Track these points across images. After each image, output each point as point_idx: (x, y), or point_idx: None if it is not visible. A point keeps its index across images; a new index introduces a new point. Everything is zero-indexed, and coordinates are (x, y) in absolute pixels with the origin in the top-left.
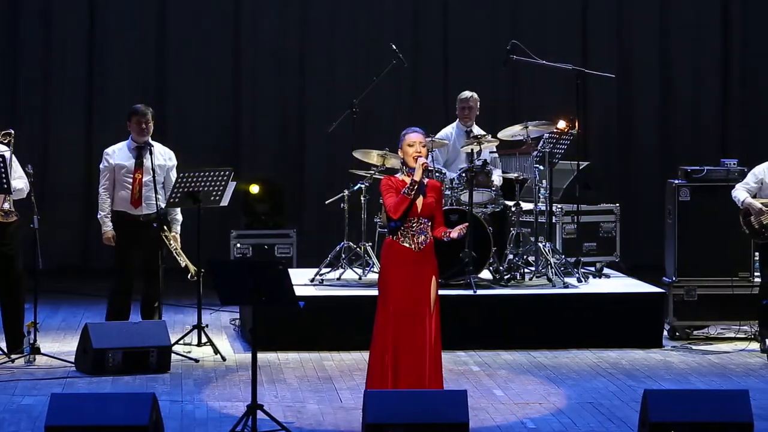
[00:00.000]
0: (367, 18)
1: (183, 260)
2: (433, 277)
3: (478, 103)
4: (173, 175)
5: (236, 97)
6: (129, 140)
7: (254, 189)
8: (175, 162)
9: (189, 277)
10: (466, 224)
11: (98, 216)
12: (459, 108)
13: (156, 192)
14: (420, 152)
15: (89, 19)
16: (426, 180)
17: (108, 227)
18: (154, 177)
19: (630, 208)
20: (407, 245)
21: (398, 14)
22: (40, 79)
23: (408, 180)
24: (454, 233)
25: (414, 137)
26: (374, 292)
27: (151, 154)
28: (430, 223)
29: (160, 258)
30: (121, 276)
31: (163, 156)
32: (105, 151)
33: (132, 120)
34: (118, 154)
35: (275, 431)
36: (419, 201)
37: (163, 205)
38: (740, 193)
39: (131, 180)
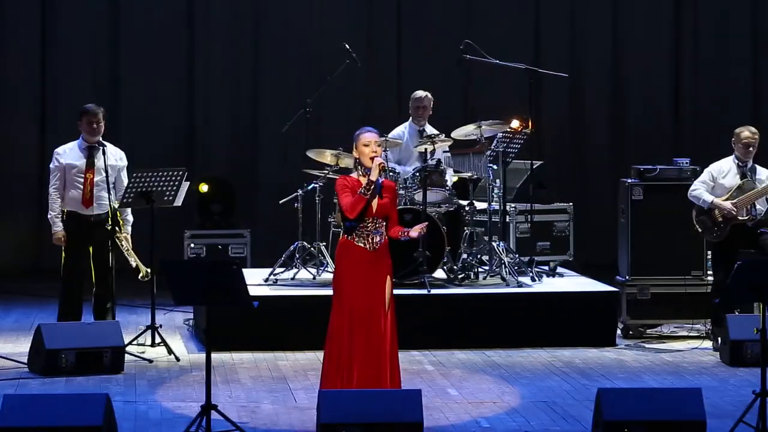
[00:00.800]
0: (320, 17)
1: (134, 260)
2: (388, 277)
3: (432, 103)
4: (124, 175)
5: (189, 97)
6: (80, 140)
7: (204, 188)
8: (125, 162)
9: (140, 277)
10: (426, 224)
11: (48, 216)
12: (413, 107)
13: (109, 192)
14: (376, 152)
15: (41, 19)
16: (381, 180)
17: (58, 227)
18: (107, 176)
19: (583, 207)
20: (362, 245)
21: (351, 14)
22: None
23: (363, 179)
24: (414, 232)
25: (369, 137)
26: (329, 291)
27: (103, 153)
28: (384, 223)
29: (111, 258)
30: (72, 277)
31: (114, 156)
32: (56, 150)
33: (83, 120)
34: (69, 153)
35: (229, 431)
36: (374, 201)
37: (115, 206)
38: (705, 194)
39: (82, 180)
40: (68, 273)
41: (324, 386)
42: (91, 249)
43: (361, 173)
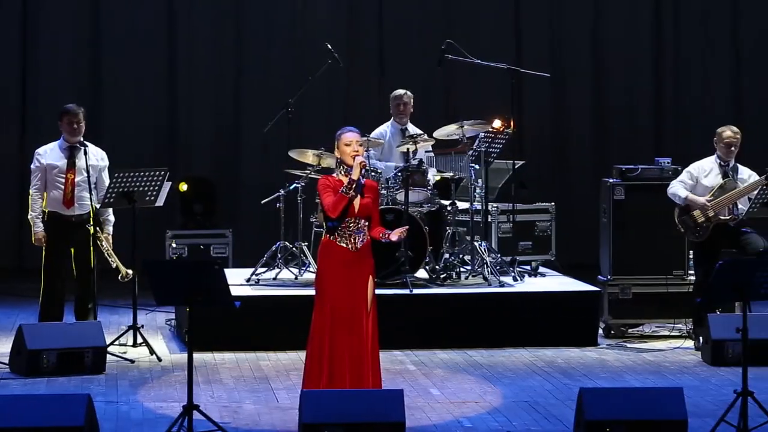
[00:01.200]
0: (302, 17)
1: (114, 261)
2: (371, 277)
3: (412, 100)
4: (105, 175)
5: (171, 97)
6: (61, 140)
7: (183, 187)
8: (107, 162)
9: (120, 278)
10: (406, 227)
11: (29, 217)
12: (393, 105)
13: (90, 192)
14: (357, 151)
15: (22, 19)
16: (363, 180)
17: (39, 228)
18: (88, 176)
19: (565, 207)
20: (344, 245)
21: (333, 14)
22: None
23: (345, 179)
24: (394, 236)
25: (350, 136)
26: (311, 291)
27: (85, 153)
28: (367, 223)
29: (93, 258)
30: (52, 277)
31: (95, 156)
32: (36, 151)
33: (63, 120)
34: (50, 154)
35: (211, 431)
36: (356, 201)
37: (97, 206)
38: (680, 190)
39: (63, 180)
40: (49, 273)
41: (306, 386)
42: (72, 249)
43: (342, 173)
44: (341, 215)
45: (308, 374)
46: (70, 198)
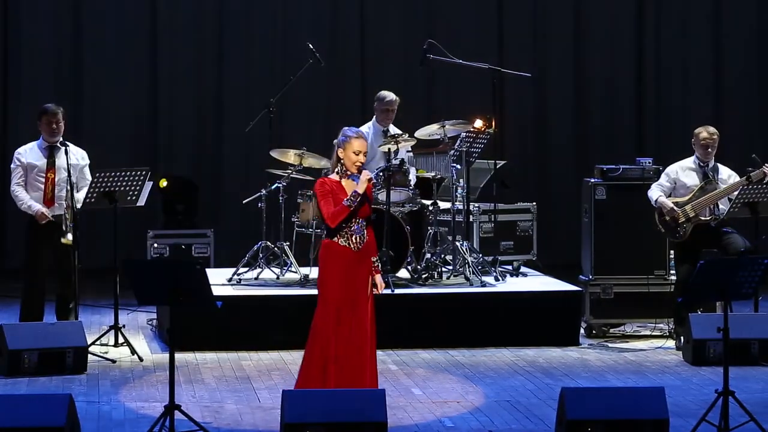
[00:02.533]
0: (283, 17)
1: (67, 227)
2: (370, 277)
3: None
4: (87, 172)
5: (152, 96)
6: (40, 140)
7: (163, 183)
8: (87, 161)
9: (62, 240)
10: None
11: (21, 207)
12: (381, 109)
13: (72, 192)
14: (362, 161)
15: (2, 18)
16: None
17: (36, 206)
18: (69, 176)
19: (547, 206)
20: (345, 245)
21: (315, 13)
22: None
23: (344, 181)
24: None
25: (359, 146)
26: (292, 291)
27: (66, 153)
28: (365, 223)
29: (74, 258)
30: (33, 276)
31: (75, 155)
32: (17, 150)
33: (42, 120)
34: (30, 153)
35: (193, 431)
36: None
37: (78, 206)
38: (654, 192)
39: (43, 180)
40: (30, 273)
41: (302, 385)
42: (51, 249)
43: (342, 174)
44: (339, 225)
45: (306, 372)
46: (50, 197)
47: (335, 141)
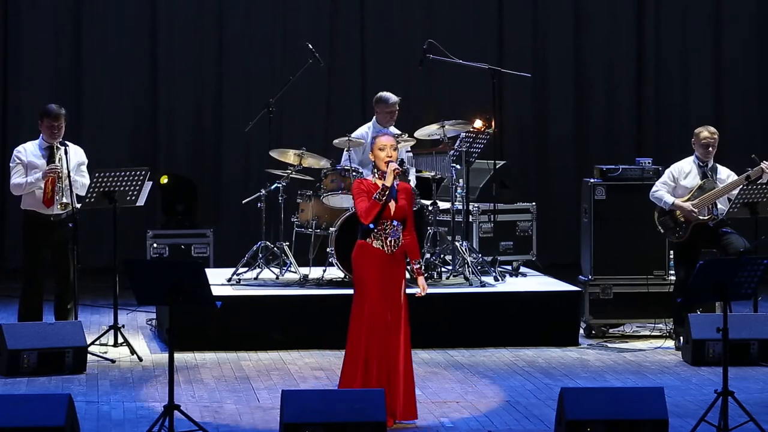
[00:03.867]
0: (283, 17)
1: (61, 191)
2: (403, 280)
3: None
4: (84, 170)
5: (153, 96)
6: (40, 140)
7: (164, 180)
8: (85, 160)
9: (58, 205)
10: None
11: (27, 189)
12: (383, 111)
13: (71, 191)
14: (391, 156)
15: (2, 17)
16: (397, 183)
17: (38, 174)
18: (69, 177)
19: (546, 206)
20: (379, 247)
21: (314, 13)
22: None
23: (379, 182)
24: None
25: (385, 140)
26: (292, 291)
27: (66, 153)
28: (402, 226)
29: (72, 258)
30: (31, 276)
31: (75, 155)
32: (16, 149)
33: (44, 121)
34: (30, 153)
35: (192, 431)
36: (392, 204)
37: (78, 206)
38: (666, 196)
39: (43, 179)
40: (28, 273)
41: (342, 385)
42: (50, 249)
43: (377, 176)
44: (374, 220)
45: (345, 373)
46: (50, 197)
47: (335, 142)
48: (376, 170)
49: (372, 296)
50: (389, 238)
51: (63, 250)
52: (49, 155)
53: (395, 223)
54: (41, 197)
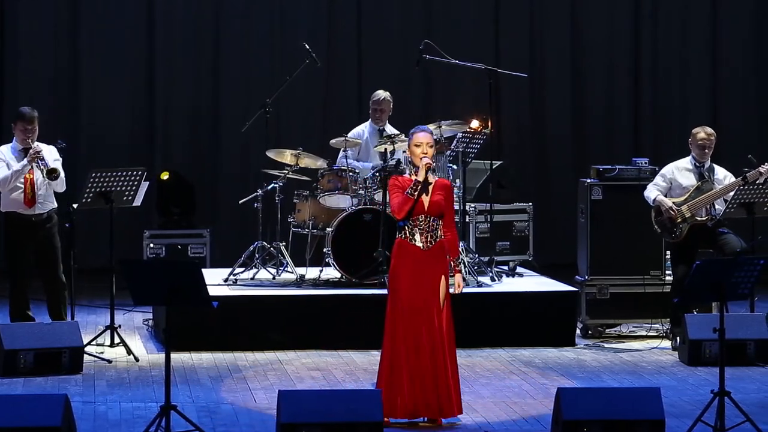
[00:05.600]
0: (280, 17)
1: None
2: (443, 276)
3: (391, 104)
4: (58, 165)
5: (149, 96)
6: (13, 143)
7: (164, 176)
8: (59, 158)
9: (44, 174)
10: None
11: (11, 181)
12: (372, 109)
13: (53, 192)
14: (426, 152)
15: None
16: (435, 179)
17: (22, 162)
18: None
19: (543, 207)
20: (416, 244)
21: (312, 13)
22: None
23: (414, 178)
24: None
25: (421, 137)
26: (288, 291)
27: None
28: (439, 222)
29: (56, 254)
30: (16, 276)
31: (50, 153)
32: None
33: (18, 124)
34: (6, 155)
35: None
36: (426, 199)
37: (54, 205)
38: (651, 192)
39: (22, 180)
40: (12, 273)
41: (378, 385)
42: (33, 249)
43: (413, 173)
44: (407, 215)
45: (381, 372)
46: (31, 197)
47: (332, 142)
48: (412, 166)
49: (407, 294)
50: (424, 234)
51: (47, 249)
52: (26, 156)
53: (431, 218)
54: (22, 198)
